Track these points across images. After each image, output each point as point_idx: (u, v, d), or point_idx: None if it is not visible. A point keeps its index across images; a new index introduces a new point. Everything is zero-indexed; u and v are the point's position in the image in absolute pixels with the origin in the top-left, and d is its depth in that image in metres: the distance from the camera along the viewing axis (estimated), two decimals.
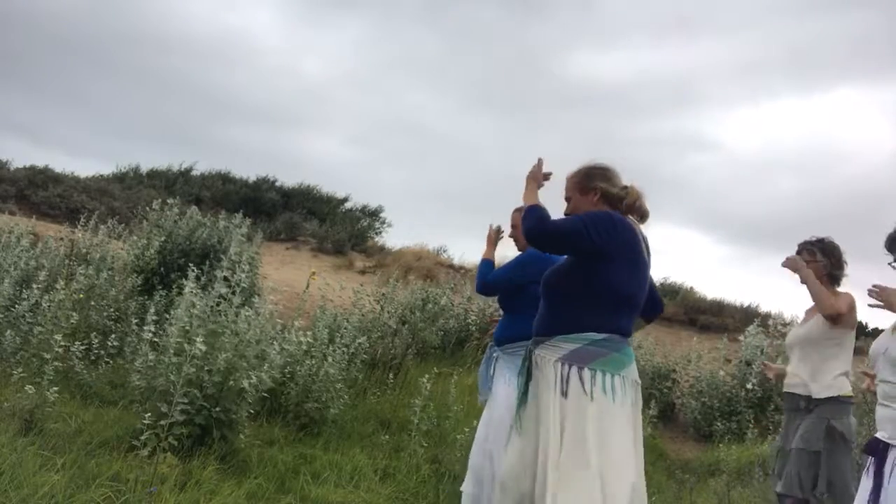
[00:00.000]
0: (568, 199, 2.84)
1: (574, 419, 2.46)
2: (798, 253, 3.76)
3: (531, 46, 47.61)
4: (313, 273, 7.12)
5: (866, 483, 2.61)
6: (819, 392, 3.55)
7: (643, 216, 2.75)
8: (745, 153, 44.77)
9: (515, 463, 2.64)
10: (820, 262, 3.68)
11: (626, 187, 2.77)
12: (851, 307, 3.59)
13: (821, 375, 3.57)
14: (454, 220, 30.50)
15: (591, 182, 2.76)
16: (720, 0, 49.70)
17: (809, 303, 3.73)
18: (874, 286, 2.75)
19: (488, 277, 3.61)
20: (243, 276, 4.31)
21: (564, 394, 2.49)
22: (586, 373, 2.48)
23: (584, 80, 47.50)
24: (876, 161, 42.40)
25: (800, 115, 47.86)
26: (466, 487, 3.47)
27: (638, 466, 2.53)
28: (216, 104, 44.92)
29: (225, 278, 4.06)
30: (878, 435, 2.64)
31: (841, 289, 3.72)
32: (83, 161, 44.24)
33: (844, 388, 3.55)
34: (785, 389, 3.79)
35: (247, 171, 21.18)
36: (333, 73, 48.04)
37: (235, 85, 43.14)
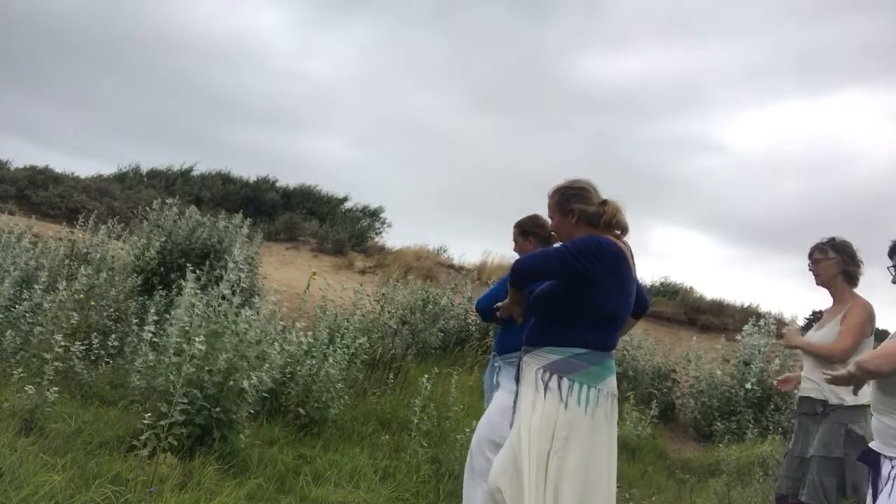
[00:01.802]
0: (551, 216, 2.96)
1: (544, 423, 2.61)
2: (810, 255, 3.71)
3: (538, 49, 47.70)
4: (314, 273, 7.12)
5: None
6: (836, 398, 3.46)
7: (623, 230, 2.84)
8: (751, 155, 44.87)
9: (502, 463, 2.75)
10: (833, 258, 3.63)
11: (604, 202, 2.84)
12: (871, 318, 3.53)
13: None
14: (454, 220, 30.54)
15: (568, 205, 2.86)
16: (727, 3, 49.75)
17: (819, 305, 3.71)
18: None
19: (483, 296, 3.74)
20: (243, 276, 4.32)
21: (543, 398, 2.65)
22: (565, 382, 2.64)
23: (591, 82, 47.60)
24: (880, 163, 42.45)
25: (806, 117, 47.94)
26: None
27: (605, 476, 2.64)
28: (219, 105, 44.92)
29: (228, 279, 4.06)
30: (871, 444, 2.64)
31: (857, 290, 3.65)
32: (83, 161, 44.14)
33: (862, 394, 3.49)
34: (800, 394, 3.69)
35: (248, 171, 21.19)
36: (339, 76, 48.10)
37: (239, 86, 43.16)
